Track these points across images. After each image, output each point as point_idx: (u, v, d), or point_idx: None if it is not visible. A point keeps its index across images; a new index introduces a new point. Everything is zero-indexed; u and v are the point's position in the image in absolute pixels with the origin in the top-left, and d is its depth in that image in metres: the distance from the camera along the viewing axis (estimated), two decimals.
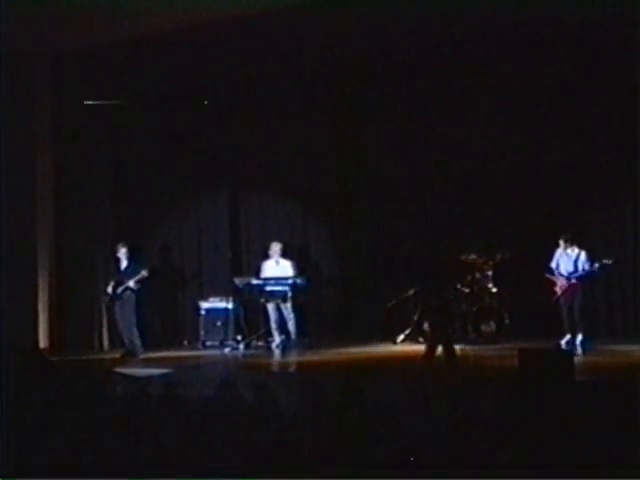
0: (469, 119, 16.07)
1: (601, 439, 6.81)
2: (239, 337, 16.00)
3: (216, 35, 14.82)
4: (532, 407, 7.93)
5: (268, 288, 15.73)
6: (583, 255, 14.34)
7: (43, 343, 15.90)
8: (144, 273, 15.05)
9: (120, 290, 15.09)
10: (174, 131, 16.90)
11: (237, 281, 16.07)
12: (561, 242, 14.48)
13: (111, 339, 16.36)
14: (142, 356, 14.87)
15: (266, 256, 16.16)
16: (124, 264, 15.31)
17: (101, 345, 16.27)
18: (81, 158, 16.46)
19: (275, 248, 16.03)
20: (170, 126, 16.86)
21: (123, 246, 15.35)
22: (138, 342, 15.05)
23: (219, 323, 16.19)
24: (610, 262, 14.36)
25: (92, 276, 16.42)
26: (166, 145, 16.95)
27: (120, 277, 15.20)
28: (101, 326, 16.34)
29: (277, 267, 16.00)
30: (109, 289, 15.27)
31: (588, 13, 13.33)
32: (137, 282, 15.06)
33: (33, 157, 16.13)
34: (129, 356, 14.88)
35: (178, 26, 14.70)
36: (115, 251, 15.48)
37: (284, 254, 16.12)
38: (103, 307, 16.26)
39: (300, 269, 16.02)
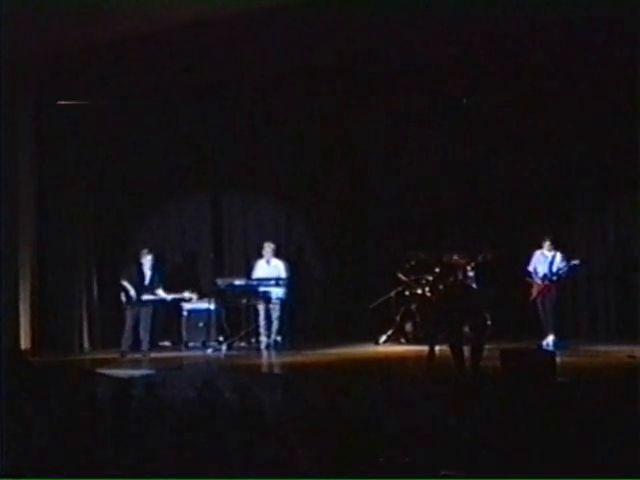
0: (452, 122, 16.13)
1: (583, 438, 6.84)
2: (221, 338, 15.98)
3: (199, 35, 14.77)
4: (514, 406, 7.96)
5: (250, 289, 15.74)
6: (558, 257, 14.56)
7: (24, 344, 15.83)
8: (189, 295, 15.65)
9: (147, 299, 15.28)
10: (156, 132, 16.88)
11: (219, 282, 16.05)
12: (546, 243, 14.63)
13: (91, 340, 16.31)
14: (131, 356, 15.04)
15: (260, 256, 16.17)
16: (148, 272, 15.44)
17: (81, 346, 16.20)
18: (63, 158, 16.38)
19: (267, 249, 16.04)
20: (152, 127, 16.84)
21: (148, 253, 15.50)
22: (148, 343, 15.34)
23: (201, 324, 16.16)
24: (577, 263, 14.57)
25: (73, 277, 16.35)
26: (148, 146, 16.93)
27: (144, 284, 15.34)
28: (82, 327, 16.27)
29: (268, 267, 16.02)
30: (132, 292, 15.29)
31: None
32: (175, 299, 15.56)
33: (15, 157, 16.06)
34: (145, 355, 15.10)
35: (161, 26, 14.64)
36: (138, 256, 15.56)
37: (277, 254, 16.12)
38: (84, 307, 16.25)
39: (291, 269, 16.05)
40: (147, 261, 15.48)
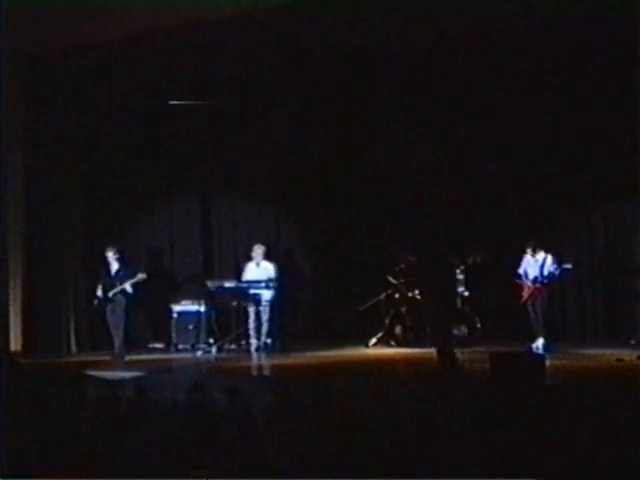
0: (442, 123, 16.15)
1: (573, 441, 6.86)
2: (211, 340, 15.97)
3: (187, 37, 14.78)
4: (503, 410, 7.97)
5: (240, 291, 15.74)
6: (549, 259, 14.55)
7: (14, 346, 15.80)
8: (142, 276, 15.10)
9: (112, 293, 15.07)
10: (146, 133, 16.88)
11: (209, 284, 16.05)
12: (528, 250, 14.67)
13: (78, 342, 16.29)
14: (127, 359, 14.87)
15: (249, 258, 16.15)
16: (114, 267, 15.26)
17: (69, 348, 16.17)
18: (52, 160, 16.36)
19: (258, 251, 16.02)
20: (142, 128, 16.84)
21: (111, 249, 15.30)
22: (122, 345, 15.07)
23: (191, 326, 16.17)
24: (570, 267, 14.57)
25: (62, 279, 16.34)
26: (138, 147, 16.92)
27: (111, 280, 15.15)
28: (69, 329, 16.25)
29: (257, 269, 16.01)
30: (99, 292, 15.20)
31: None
32: (133, 285, 15.10)
33: (3, 158, 16.01)
34: (116, 358, 14.85)
35: (151, 28, 14.64)
36: (104, 255, 15.39)
37: (267, 256, 16.10)
38: (71, 310, 16.23)
39: (281, 272, 16.04)
40: (112, 258, 15.26)
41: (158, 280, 17.35)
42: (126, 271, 15.20)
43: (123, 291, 15.08)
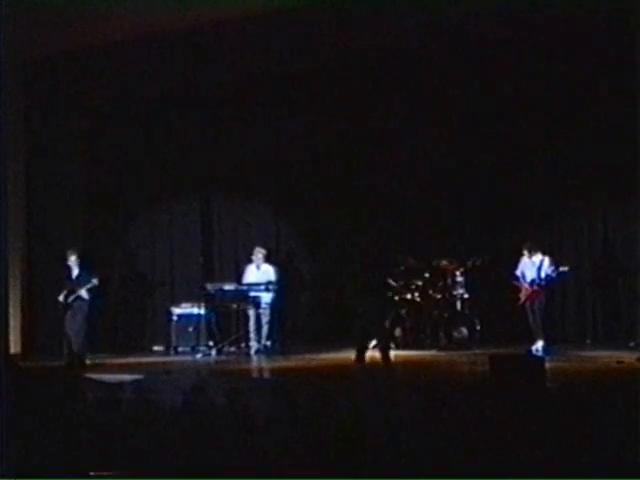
0: (439, 124, 16.16)
1: (573, 443, 6.86)
2: (211, 343, 15.96)
3: (188, 38, 14.79)
4: (503, 412, 7.97)
5: (240, 294, 15.73)
6: (547, 261, 14.51)
7: (14, 349, 15.78)
8: (95, 282, 14.68)
9: (71, 299, 14.76)
10: (146, 134, 16.89)
11: (209, 287, 16.04)
12: (525, 251, 14.64)
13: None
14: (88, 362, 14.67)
15: (249, 261, 16.14)
16: (75, 272, 14.91)
17: None
18: (52, 164, 16.37)
19: (258, 254, 16.00)
20: (142, 129, 16.85)
21: (72, 253, 14.94)
22: (85, 351, 14.79)
23: (191, 329, 16.16)
24: (566, 269, 14.53)
25: (62, 281, 16.30)
26: (138, 149, 16.92)
27: (72, 285, 14.83)
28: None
29: (258, 272, 16.00)
30: (61, 297, 14.86)
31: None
32: (88, 291, 14.72)
33: (3, 163, 15.99)
34: (73, 364, 14.54)
35: (150, 30, 14.65)
36: (65, 259, 15.05)
37: (267, 259, 16.09)
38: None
39: (281, 274, 16.02)
40: (73, 262, 14.93)
41: (158, 282, 17.41)
42: (86, 276, 14.81)
43: (80, 297, 14.76)
